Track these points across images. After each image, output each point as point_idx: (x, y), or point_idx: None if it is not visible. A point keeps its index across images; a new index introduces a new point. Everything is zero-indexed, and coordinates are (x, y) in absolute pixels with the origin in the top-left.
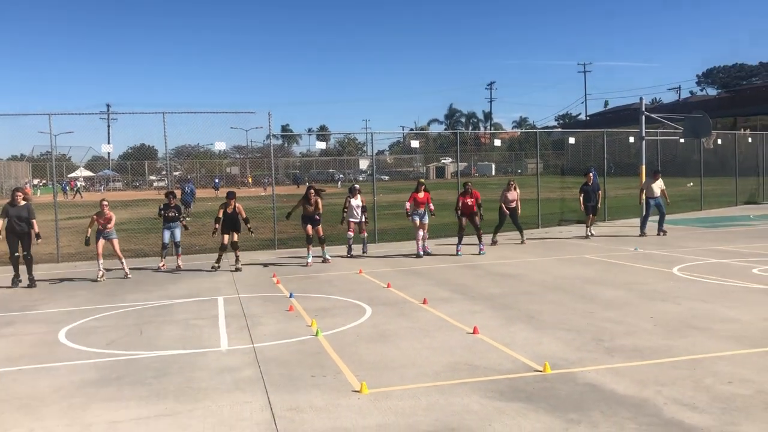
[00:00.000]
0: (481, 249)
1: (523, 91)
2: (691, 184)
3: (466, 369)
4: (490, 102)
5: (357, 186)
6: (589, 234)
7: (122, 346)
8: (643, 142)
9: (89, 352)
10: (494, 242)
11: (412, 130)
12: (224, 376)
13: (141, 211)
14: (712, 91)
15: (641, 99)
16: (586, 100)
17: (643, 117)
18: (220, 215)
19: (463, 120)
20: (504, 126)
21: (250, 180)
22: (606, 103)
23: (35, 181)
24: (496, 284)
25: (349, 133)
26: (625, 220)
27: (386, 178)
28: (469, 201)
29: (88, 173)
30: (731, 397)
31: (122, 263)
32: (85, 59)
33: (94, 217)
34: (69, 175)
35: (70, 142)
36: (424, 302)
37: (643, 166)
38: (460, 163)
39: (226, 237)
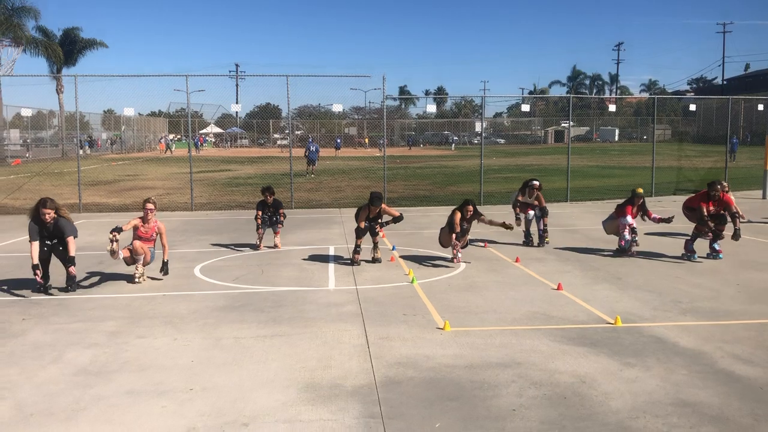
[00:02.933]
0: (718, 251)
1: (655, 52)
2: None
3: (542, 318)
4: (617, 63)
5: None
6: None
7: (246, 282)
8: None
9: (219, 284)
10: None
11: (531, 92)
12: (330, 310)
13: (265, 167)
14: None
15: None
16: (723, 62)
17: None
18: (362, 226)
19: (587, 82)
20: (631, 89)
21: (366, 141)
22: (747, 67)
23: (170, 136)
24: (590, 247)
25: (465, 96)
26: (746, 192)
27: (502, 141)
28: (713, 208)
29: (218, 130)
30: None
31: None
32: (213, 21)
33: (138, 222)
34: (200, 131)
35: (201, 100)
36: (517, 260)
37: None
38: (581, 128)
39: (363, 223)
